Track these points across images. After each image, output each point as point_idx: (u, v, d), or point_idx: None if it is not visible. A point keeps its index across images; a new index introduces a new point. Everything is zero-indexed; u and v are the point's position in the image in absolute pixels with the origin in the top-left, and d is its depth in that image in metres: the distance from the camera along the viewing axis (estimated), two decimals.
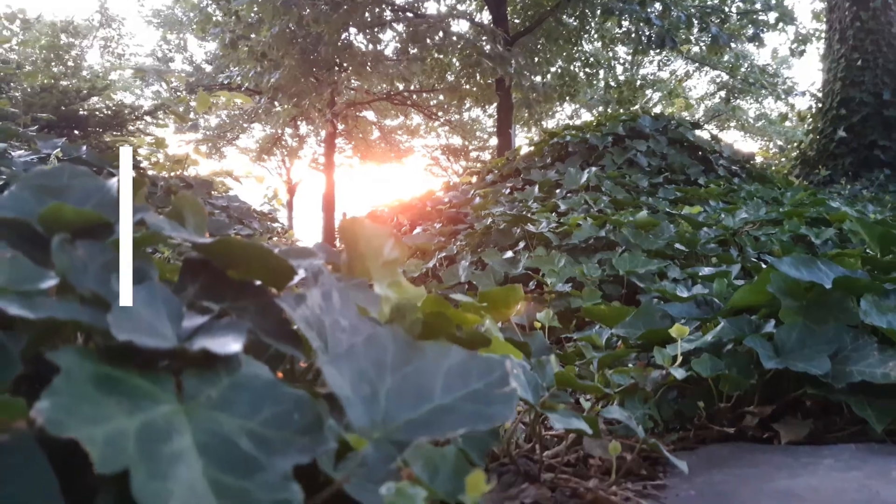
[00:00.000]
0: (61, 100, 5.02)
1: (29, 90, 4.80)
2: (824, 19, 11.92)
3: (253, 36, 11.36)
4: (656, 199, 2.76)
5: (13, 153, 2.46)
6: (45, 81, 5.45)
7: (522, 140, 22.05)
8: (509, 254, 1.97)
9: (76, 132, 5.18)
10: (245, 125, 18.77)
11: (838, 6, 5.46)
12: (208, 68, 16.03)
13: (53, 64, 15.17)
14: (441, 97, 17.29)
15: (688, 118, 3.89)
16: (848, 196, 4.69)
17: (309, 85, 13.74)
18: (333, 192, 20.14)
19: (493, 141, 22.16)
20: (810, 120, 5.87)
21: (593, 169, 2.84)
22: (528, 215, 2.26)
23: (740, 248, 2.22)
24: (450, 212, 2.82)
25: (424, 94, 17.42)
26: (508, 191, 3.14)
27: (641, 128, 3.40)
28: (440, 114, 19.33)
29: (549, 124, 20.52)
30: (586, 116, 21.26)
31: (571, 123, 3.60)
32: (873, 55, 5.34)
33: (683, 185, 3.09)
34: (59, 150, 2.44)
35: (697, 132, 3.55)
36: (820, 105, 5.74)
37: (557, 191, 2.91)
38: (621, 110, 3.53)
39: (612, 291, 1.83)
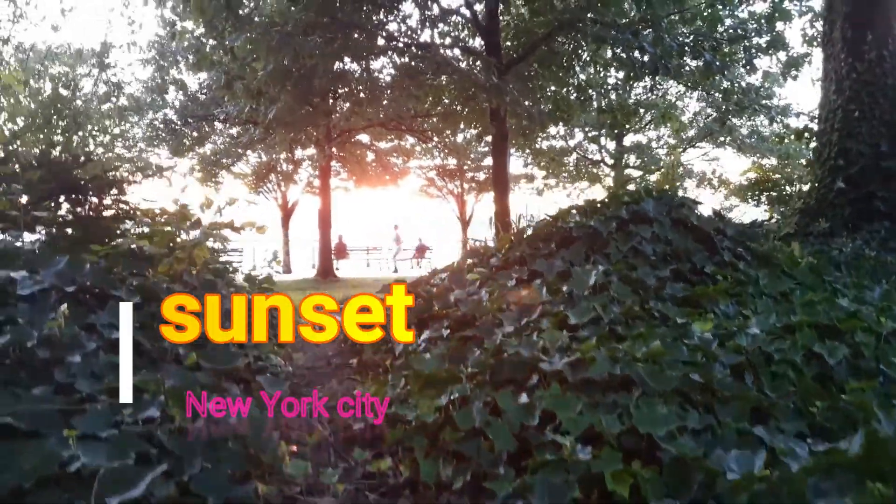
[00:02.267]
0: (60, 168, 5.01)
1: (25, 159, 4.79)
2: (816, 45, 12.03)
3: (248, 71, 11.37)
4: (664, 303, 2.74)
5: (16, 275, 2.43)
6: (43, 148, 5.43)
7: (517, 163, 22.09)
8: (524, 397, 1.96)
9: (74, 197, 5.14)
10: (241, 151, 18.75)
11: (834, 56, 5.49)
12: (202, 97, 16.01)
13: (55, 119, 15.23)
14: (435, 120, 17.31)
15: (687, 196, 3.88)
16: (851, 255, 4.70)
17: (304, 115, 13.78)
18: (329, 216, 20.12)
19: (488, 160, 22.26)
20: (808, 169, 5.89)
21: (601, 268, 2.83)
22: (539, 343, 2.24)
23: (755, 372, 2.21)
24: (457, 314, 2.81)
25: (419, 119, 17.44)
26: (514, 282, 3.13)
27: (645, 211, 3.40)
28: (435, 137, 19.36)
29: (543, 145, 20.60)
30: (579, 136, 21.35)
31: (574, 207, 3.58)
32: (870, 107, 5.37)
33: (690, 274, 3.08)
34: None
35: (700, 210, 3.55)
36: (818, 152, 5.76)
37: (565, 287, 2.89)
38: (625, 195, 3.50)
39: (631, 444, 1.82)
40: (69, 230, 5.08)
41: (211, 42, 11.40)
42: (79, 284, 2.40)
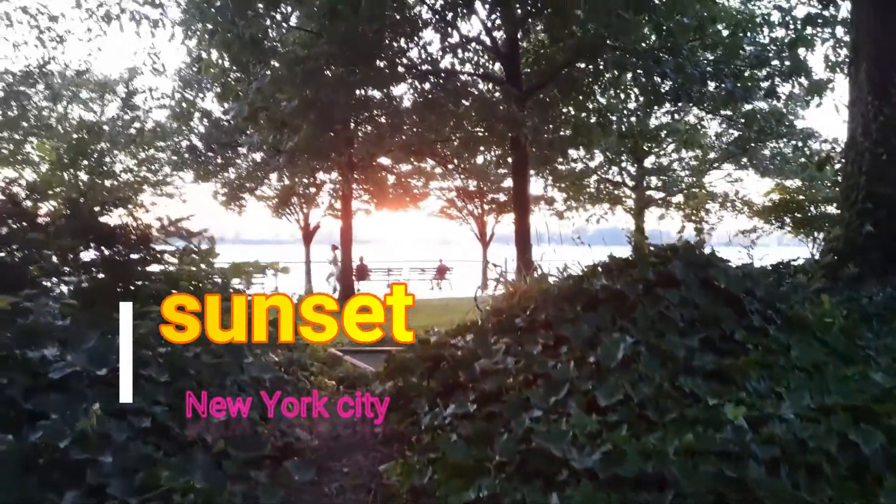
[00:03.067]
0: (88, 216, 5.10)
1: (53, 209, 4.89)
2: (839, 71, 11.88)
3: (272, 102, 11.52)
4: (694, 378, 2.70)
5: (48, 353, 2.46)
6: (72, 195, 5.53)
7: (537, 184, 22.03)
8: (554, 498, 1.93)
9: (103, 250, 5.25)
10: (262, 175, 18.98)
11: (860, 99, 5.42)
12: (226, 124, 16.25)
13: (81, 161, 15.57)
14: (456, 144, 17.35)
15: (710, 243, 3.85)
16: (882, 304, 4.60)
17: (327, 142, 13.91)
18: (351, 237, 20.24)
19: (508, 181, 22.24)
20: (836, 193, 5.77)
21: (629, 340, 2.80)
22: (568, 434, 2.22)
23: (790, 463, 2.16)
24: (482, 387, 2.79)
25: (439, 143, 17.51)
26: (539, 349, 3.10)
27: (672, 273, 3.36)
28: (455, 160, 19.42)
29: (563, 167, 20.55)
30: (599, 158, 21.23)
31: (600, 265, 3.57)
32: None
33: (719, 341, 3.03)
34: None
35: (728, 264, 3.51)
36: (845, 194, 5.67)
37: (591, 358, 2.86)
38: (653, 255, 3.46)
39: None
40: (99, 274, 5.17)
41: (235, 74, 11.60)
42: (109, 366, 2.42)
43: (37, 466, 1.88)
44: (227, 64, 11.64)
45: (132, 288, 5.03)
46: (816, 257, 6.49)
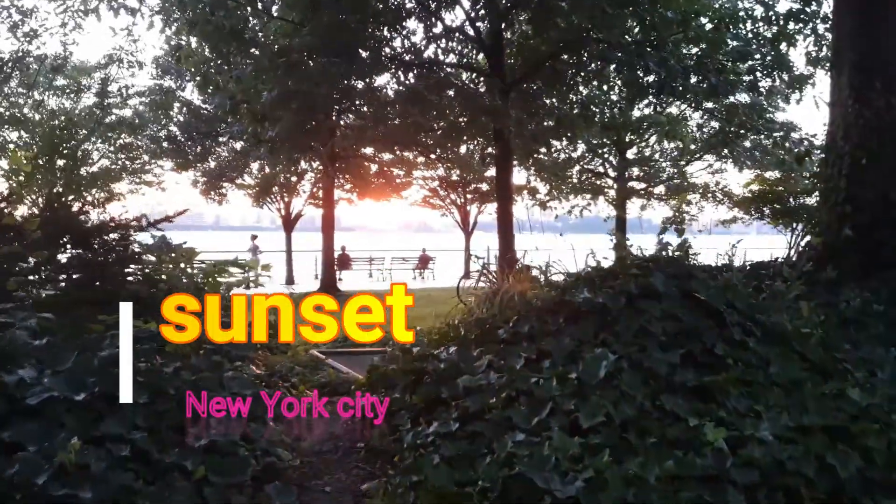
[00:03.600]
0: (65, 216, 5.03)
1: (29, 214, 4.81)
2: (820, 67, 11.97)
3: (252, 93, 11.35)
4: (675, 397, 2.73)
5: (24, 374, 2.42)
6: (47, 193, 5.44)
7: (520, 174, 22.02)
8: None
9: (79, 242, 5.17)
10: (243, 164, 18.78)
11: (841, 102, 5.46)
12: (206, 113, 16.02)
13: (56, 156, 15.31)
14: (439, 134, 17.28)
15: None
16: (859, 309, 4.67)
17: (308, 133, 13.77)
18: (333, 227, 20.13)
19: (491, 171, 22.23)
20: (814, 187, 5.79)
21: (612, 357, 2.82)
22: (551, 460, 2.23)
23: (768, 487, 2.19)
24: (465, 404, 2.79)
25: (422, 133, 17.41)
26: (522, 362, 3.11)
27: (654, 286, 3.38)
28: (438, 150, 19.33)
29: (546, 158, 20.54)
30: (582, 148, 21.25)
31: (583, 275, 3.58)
32: (878, 154, 5.35)
33: (700, 354, 3.06)
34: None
35: (710, 281, 3.53)
36: (825, 199, 5.73)
37: (574, 374, 2.88)
38: (634, 266, 3.48)
39: None
40: (76, 275, 5.10)
41: (215, 64, 11.41)
42: (88, 391, 2.39)
43: (14, 502, 1.85)
44: (207, 53, 11.46)
45: (110, 289, 4.96)
46: (793, 254, 6.56)
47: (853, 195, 5.45)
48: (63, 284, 4.87)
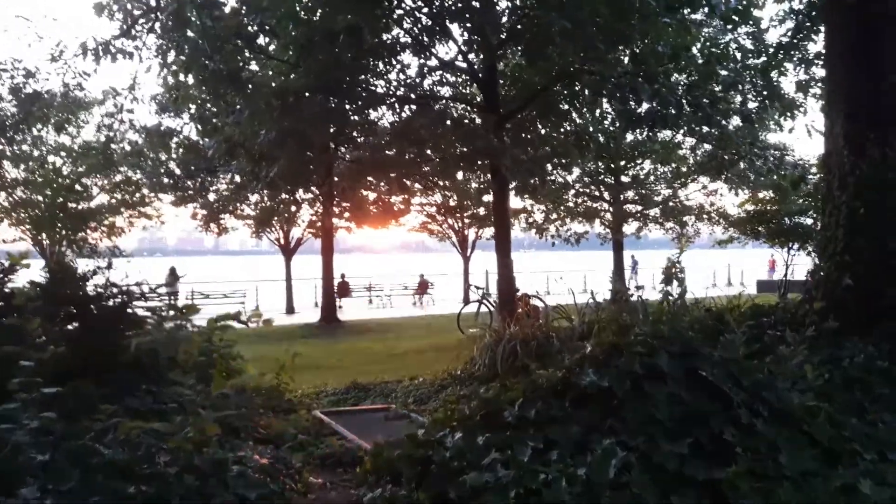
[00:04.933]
0: (67, 281, 5.03)
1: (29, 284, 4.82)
2: (810, 95, 12.07)
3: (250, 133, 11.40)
4: (685, 497, 2.71)
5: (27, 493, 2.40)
6: (52, 264, 5.43)
7: (517, 198, 22.03)
8: None
9: (80, 307, 5.16)
10: (242, 198, 18.82)
11: (836, 152, 5.50)
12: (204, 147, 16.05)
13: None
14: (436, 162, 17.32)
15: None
16: (863, 367, 4.67)
17: (305, 170, 13.81)
18: (332, 256, 20.15)
19: (488, 196, 22.27)
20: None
21: (620, 453, 2.81)
22: None
23: None
24: None
25: (419, 162, 17.49)
26: (530, 452, 3.10)
27: (659, 367, 3.38)
28: (435, 179, 19.39)
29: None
30: (577, 172, 21.32)
31: (587, 354, 3.57)
32: (874, 204, 5.38)
33: (708, 442, 3.05)
34: None
35: (714, 358, 3.53)
36: (822, 247, 5.75)
37: (582, 470, 2.86)
38: (638, 344, 3.47)
39: None
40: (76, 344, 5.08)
41: (213, 105, 11.48)
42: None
43: None
44: (204, 94, 11.53)
45: (110, 354, 4.95)
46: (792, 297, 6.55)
47: (851, 245, 5.47)
48: (62, 350, 4.85)
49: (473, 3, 11.06)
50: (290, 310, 22.68)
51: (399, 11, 11.49)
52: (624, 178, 21.49)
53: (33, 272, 5.80)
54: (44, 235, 17.43)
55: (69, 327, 5.14)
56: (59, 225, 16.90)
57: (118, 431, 3.29)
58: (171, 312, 6.04)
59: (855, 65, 5.52)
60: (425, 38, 12.26)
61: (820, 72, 10.15)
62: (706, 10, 10.76)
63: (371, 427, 5.24)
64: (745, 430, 3.18)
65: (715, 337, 5.01)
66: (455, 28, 11.95)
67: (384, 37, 11.53)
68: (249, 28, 10.83)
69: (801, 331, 4.62)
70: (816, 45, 9.70)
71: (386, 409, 5.76)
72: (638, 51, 10.97)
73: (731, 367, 3.51)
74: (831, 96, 5.72)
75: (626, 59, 11.47)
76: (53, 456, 2.67)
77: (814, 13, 8.90)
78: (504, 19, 12.03)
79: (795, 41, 9.38)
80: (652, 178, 21.73)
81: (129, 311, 5.45)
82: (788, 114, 12.51)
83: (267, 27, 11.10)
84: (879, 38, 5.43)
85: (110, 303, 5.41)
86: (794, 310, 5.92)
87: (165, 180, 16.61)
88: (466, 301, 19.89)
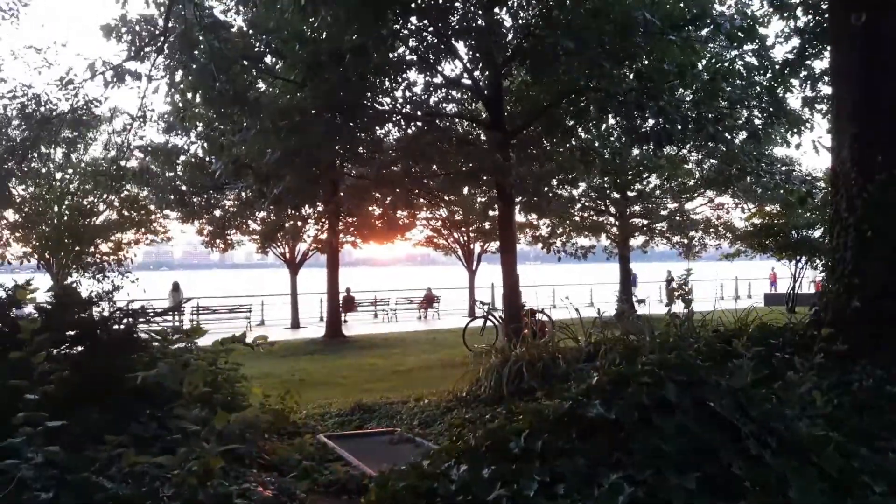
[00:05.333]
0: (74, 306, 5.05)
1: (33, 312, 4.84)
2: (816, 110, 12.03)
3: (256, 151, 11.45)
4: None
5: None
6: (58, 290, 5.45)
7: (524, 217, 22.03)
8: None
9: (86, 334, 5.16)
10: (248, 214, 18.90)
11: (844, 174, 5.48)
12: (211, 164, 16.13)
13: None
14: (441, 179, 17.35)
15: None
16: (872, 391, 4.63)
17: (311, 186, 13.87)
18: (337, 269, 20.14)
19: (495, 210, 22.26)
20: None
21: (628, 489, 2.77)
22: None
23: None
24: None
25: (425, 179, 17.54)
26: (536, 486, 3.07)
27: (666, 397, 3.35)
28: (440, 193, 19.42)
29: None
30: (583, 186, 21.30)
31: (593, 385, 3.53)
32: (883, 226, 5.35)
33: (717, 475, 3.02)
34: None
35: (722, 388, 3.50)
36: (831, 268, 5.72)
37: None
38: (645, 373, 3.46)
39: None
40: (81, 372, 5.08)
41: (220, 126, 11.56)
42: None
43: None
44: (211, 114, 11.60)
45: (114, 380, 4.95)
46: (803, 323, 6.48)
47: (860, 267, 5.44)
48: (66, 375, 4.86)
49: (479, 21, 11.14)
50: (295, 324, 22.68)
51: (405, 31, 11.58)
52: (630, 193, 21.47)
53: (41, 289, 5.84)
54: (48, 254, 17.51)
55: (74, 350, 5.16)
56: (67, 241, 16.99)
57: (122, 463, 3.29)
58: (177, 336, 6.06)
59: (862, 86, 5.50)
60: (431, 56, 12.35)
61: (826, 89, 10.15)
62: (711, 28, 10.82)
63: (376, 451, 5.21)
64: (754, 462, 3.14)
65: (723, 361, 5.01)
66: (461, 46, 12.03)
67: (390, 55, 11.60)
68: (256, 48, 10.95)
69: (809, 357, 4.58)
70: (823, 61, 9.71)
71: (391, 433, 5.73)
72: (643, 68, 11.01)
73: (739, 397, 3.48)
74: (838, 118, 5.70)
75: (632, 76, 11.49)
76: (57, 493, 2.66)
77: (819, 30, 8.90)
78: (510, 37, 12.12)
79: (801, 59, 9.35)
80: (658, 192, 21.70)
81: (135, 334, 5.48)
82: (795, 130, 12.50)
83: (273, 46, 11.21)
84: (886, 59, 5.42)
85: (116, 327, 5.44)
86: (803, 331, 5.87)
87: (171, 197, 16.68)
88: (472, 316, 19.87)
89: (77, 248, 18.05)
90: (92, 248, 18.99)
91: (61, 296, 5.26)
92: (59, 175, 18.72)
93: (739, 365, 4.45)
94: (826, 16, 8.05)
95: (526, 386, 6.14)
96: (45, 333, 4.26)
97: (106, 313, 5.37)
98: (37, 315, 4.91)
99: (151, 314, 5.41)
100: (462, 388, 6.81)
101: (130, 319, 5.41)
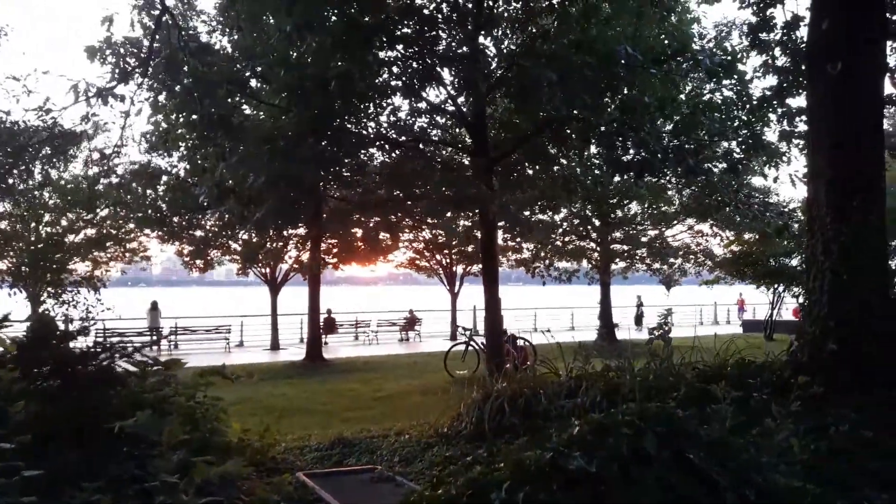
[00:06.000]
0: (50, 340, 4.98)
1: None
2: (793, 145, 12.28)
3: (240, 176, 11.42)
4: None
5: None
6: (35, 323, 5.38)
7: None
8: None
9: (63, 367, 5.10)
10: (229, 234, 18.78)
11: (819, 218, 5.60)
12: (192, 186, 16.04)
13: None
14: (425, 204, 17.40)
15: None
16: (848, 438, 4.69)
17: (293, 210, 13.84)
18: (319, 291, 20.01)
19: (478, 232, 22.35)
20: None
21: None
22: None
23: None
24: None
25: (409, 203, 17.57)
26: None
27: (646, 449, 3.38)
28: (423, 216, 19.47)
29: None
30: (564, 211, 21.49)
31: (574, 435, 3.54)
32: (858, 270, 5.46)
33: None
34: None
35: (702, 439, 3.54)
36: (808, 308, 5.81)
37: None
38: (625, 424, 3.51)
39: None
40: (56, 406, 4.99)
41: (203, 151, 11.53)
42: None
43: None
44: (194, 138, 11.58)
45: (92, 417, 4.87)
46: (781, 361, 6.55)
47: (836, 310, 5.54)
48: (40, 410, 4.77)
49: (463, 48, 11.27)
50: (275, 346, 22.48)
51: (391, 54, 11.66)
52: (611, 219, 21.69)
53: (15, 320, 5.77)
54: (25, 272, 17.23)
55: (51, 383, 5.08)
56: (43, 261, 16.74)
57: None
58: (156, 368, 6.00)
59: (837, 132, 5.65)
60: (416, 83, 12.44)
61: (802, 125, 10.37)
62: (691, 62, 11.05)
63: (356, 490, 5.17)
64: None
65: (703, 403, 5.05)
66: (445, 73, 12.13)
67: (375, 80, 11.68)
68: (241, 73, 10.96)
69: (787, 403, 4.65)
70: (799, 98, 9.93)
71: (371, 470, 5.68)
72: (626, 99, 11.19)
73: (717, 448, 3.52)
74: (814, 162, 5.84)
75: (616, 109, 11.68)
76: None
77: (795, 70, 9.12)
78: (493, 65, 12.26)
79: (779, 96, 9.57)
80: (639, 218, 21.95)
81: (113, 369, 5.40)
82: (772, 163, 12.75)
83: (259, 71, 11.24)
84: (861, 106, 5.58)
85: (94, 362, 5.36)
86: (780, 370, 5.96)
87: (152, 216, 16.55)
88: (454, 339, 19.86)
89: (54, 265, 17.80)
90: (70, 267, 18.76)
91: (38, 329, 5.18)
92: (37, 193, 18.51)
93: (718, 410, 4.50)
94: (802, 55, 8.26)
95: (507, 423, 6.14)
96: (16, 372, 4.20)
97: (83, 346, 5.30)
98: (11, 355, 4.85)
99: (130, 350, 5.33)
100: (443, 423, 6.79)
101: (108, 354, 5.34)
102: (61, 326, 5.97)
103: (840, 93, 5.56)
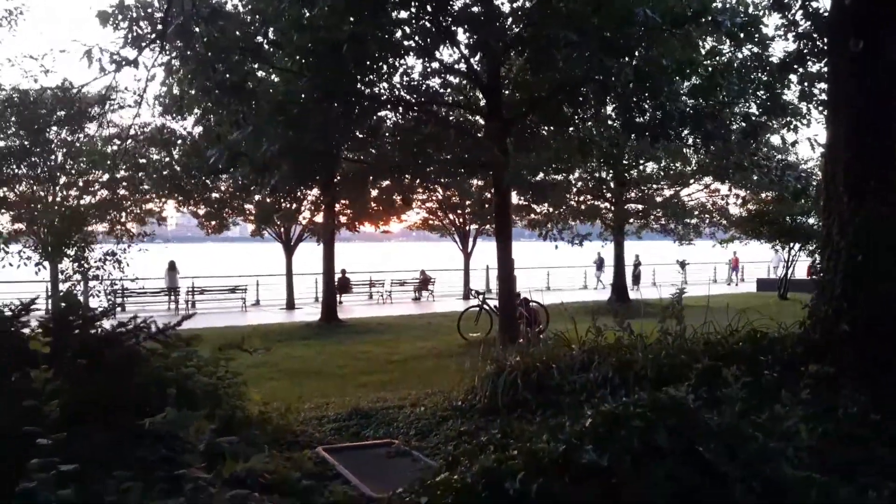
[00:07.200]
0: (75, 332, 5.13)
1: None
2: (814, 105, 12.02)
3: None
4: None
5: None
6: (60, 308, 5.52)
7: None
8: None
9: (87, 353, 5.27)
10: (245, 196, 18.89)
11: (836, 199, 5.56)
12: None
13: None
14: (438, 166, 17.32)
15: None
16: (857, 421, 4.76)
17: (308, 174, 13.88)
18: (333, 252, 20.18)
19: (489, 192, 22.27)
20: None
21: None
22: None
23: None
24: None
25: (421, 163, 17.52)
26: None
27: (658, 443, 3.47)
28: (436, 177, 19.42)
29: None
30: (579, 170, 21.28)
31: (586, 427, 3.63)
32: (873, 253, 5.44)
33: None
34: None
35: (713, 431, 3.63)
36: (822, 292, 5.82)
37: None
38: (636, 416, 3.55)
39: None
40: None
41: (217, 117, 11.50)
42: None
43: None
44: (208, 103, 11.52)
45: (118, 397, 5.04)
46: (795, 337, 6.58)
47: (849, 292, 5.54)
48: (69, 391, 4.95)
49: (478, 6, 11.06)
50: (290, 305, 22.80)
51: (403, 15, 11.46)
52: (627, 177, 21.49)
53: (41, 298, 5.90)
54: (46, 234, 17.46)
55: (77, 368, 5.23)
56: (65, 224, 16.95)
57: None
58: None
59: (857, 112, 5.55)
60: (429, 42, 12.23)
61: (823, 91, 10.15)
62: (711, 25, 10.76)
63: (374, 465, 5.35)
64: None
65: (714, 384, 5.13)
66: (459, 32, 11.92)
67: (387, 39, 11.51)
68: (254, 38, 10.84)
69: (797, 388, 4.71)
70: (819, 63, 9.68)
71: (388, 444, 5.86)
72: (642, 63, 10.97)
73: (726, 438, 3.61)
74: (833, 142, 5.76)
75: (630, 70, 11.45)
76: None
77: (816, 35, 8.87)
78: (509, 24, 12.01)
79: (799, 60, 9.34)
80: (654, 178, 21.74)
81: (139, 350, 5.56)
82: (792, 126, 12.51)
83: (270, 34, 11.11)
84: (883, 86, 5.46)
85: (119, 344, 5.52)
86: (791, 347, 6.00)
87: (166, 176, 16.65)
88: (467, 299, 20.04)
89: (74, 230, 17.99)
90: (90, 228, 18.97)
91: (63, 311, 5.32)
92: (59, 158, 18.58)
93: (728, 394, 4.59)
94: (823, 23, 8.04)
95: (521, 397, 6.27)
96: (50, 370, 4.35)
97: (109, 326, 5.44)
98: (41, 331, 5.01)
99: (155, 330, 5.48)
100: (458, 396, 6.96)
101: (132, 336, 5.48)
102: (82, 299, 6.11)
103: (861, 71, 5.43)
